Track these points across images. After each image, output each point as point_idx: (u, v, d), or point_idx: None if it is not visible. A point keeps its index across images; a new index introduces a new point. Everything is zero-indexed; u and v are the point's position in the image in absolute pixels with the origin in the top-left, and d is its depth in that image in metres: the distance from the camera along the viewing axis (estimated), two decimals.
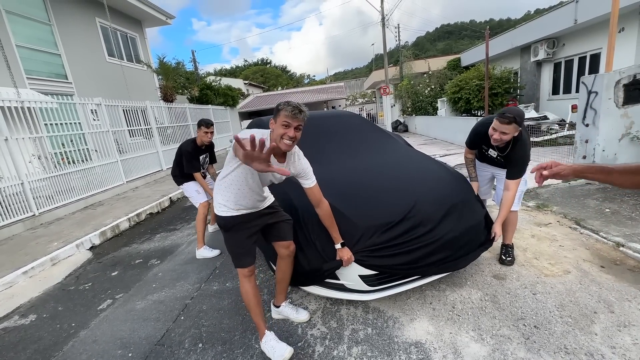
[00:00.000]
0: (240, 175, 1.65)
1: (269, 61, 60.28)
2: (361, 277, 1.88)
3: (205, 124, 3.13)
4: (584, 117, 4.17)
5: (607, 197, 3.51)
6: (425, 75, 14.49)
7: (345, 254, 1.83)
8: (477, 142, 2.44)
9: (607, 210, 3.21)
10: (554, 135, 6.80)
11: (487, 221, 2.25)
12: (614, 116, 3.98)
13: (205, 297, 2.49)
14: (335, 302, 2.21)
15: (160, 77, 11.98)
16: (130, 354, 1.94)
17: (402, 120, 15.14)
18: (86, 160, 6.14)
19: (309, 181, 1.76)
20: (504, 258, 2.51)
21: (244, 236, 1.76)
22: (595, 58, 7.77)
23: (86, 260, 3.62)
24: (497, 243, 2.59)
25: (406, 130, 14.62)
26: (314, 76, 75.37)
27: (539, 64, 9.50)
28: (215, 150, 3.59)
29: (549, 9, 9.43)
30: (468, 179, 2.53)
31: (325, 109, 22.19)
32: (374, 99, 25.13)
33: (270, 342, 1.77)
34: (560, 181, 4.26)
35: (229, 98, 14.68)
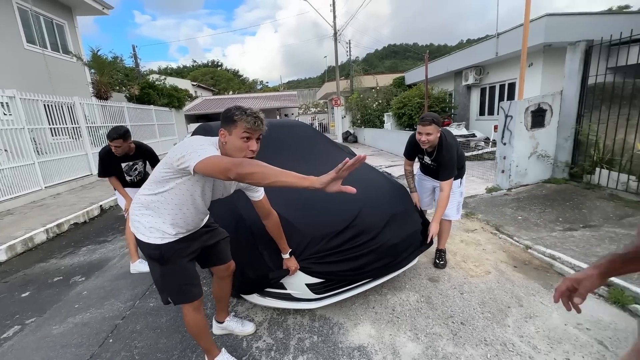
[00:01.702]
0: (184, 191, 1.37)
1: (220, 63, 58.29)
2: (308, 285, 1.91)
3: (109, 136, 2.70)
4: (502, 136, 4.84)
5: (519, 207, 4.09)
6: (373, 90, 15.38)
7: (292, 263, 1.83)
8: (413, 152, 2.68)
9: (520, 217, 3.74)
10: (480, 151, 7.73)
11: (425, 229, 2.43)
12: (525, 137, 4.68)
13: (139, 316, 2.27)
14: (283, 312, 2.20)
15: (93, 71, 10.79)
16: None
17: (352, 131, 15.79)
18: None
19: (258, 193, 1.66)
20: (437, 262, 2.76)
21: (186, 262, 1.50)
22: (512, 86, 9.08)
23: None
24: (433, 248, 2.85)
25: (356, 141, 15.27)
26: (267, 82, 74.76)
27: (469, 87, 10.76)
28: (158, 153, 3.31)
29: (477, 40, 10.79)
30: (408, 190, 2.74)
31: (277, 117, 22.12)
32: (326, 109, 25.82)
33: None
34: (484, 192, 4.84)
35: (174, 99, 13.78)
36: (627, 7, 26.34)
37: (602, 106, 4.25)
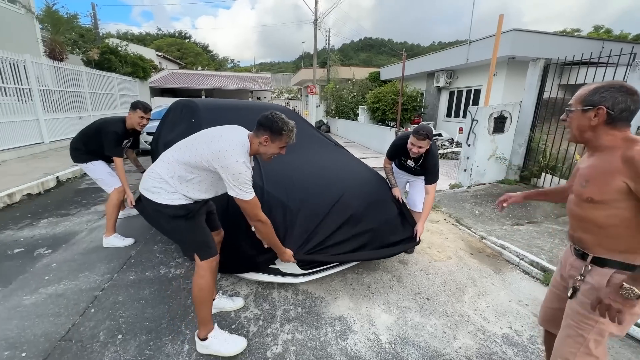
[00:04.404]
0: (211, 179, 1.63)
1: (188, 35, 54.65)
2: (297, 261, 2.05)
3: (144, 107, 2.80)
4: (468, 138, 5.28)
5: (477, 202, 4.55)
6: (349, 82, 15.55)
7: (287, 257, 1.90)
8: (396, 154, 2.78)
9: (477, 212, 4.18)
10: (445, 151, 8.30)
11: (403, 217, 2.59)
12: (486, 141, 5.17)
13: (120, 288, 2.26)
14: (267, 286, 2.33)
15: (43, 26, 9.65)
16: (23, 354, 1.65)
17: (325, 121, 15.90)
18: None
19: None
20: None
21: (203, 222, 1.73)
22: (478, 92, 9.78)
23: None
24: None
25: (328, 131, 15.41)
26: (239, 62, 71.69)
27: (439, 89, 11.37)
28: None
29: (448, 43, 11.36)
30: (390, 185, 2.91)
31: (250, 99, 21.48)
32: (299, 96, 25.57)
33: (222, 335, 1.71)
34: (447, 188, 5.29)
35: (139, 69, 12.80)
36: (578, 30, 31.92)
37: (552, 119, 4.83)
